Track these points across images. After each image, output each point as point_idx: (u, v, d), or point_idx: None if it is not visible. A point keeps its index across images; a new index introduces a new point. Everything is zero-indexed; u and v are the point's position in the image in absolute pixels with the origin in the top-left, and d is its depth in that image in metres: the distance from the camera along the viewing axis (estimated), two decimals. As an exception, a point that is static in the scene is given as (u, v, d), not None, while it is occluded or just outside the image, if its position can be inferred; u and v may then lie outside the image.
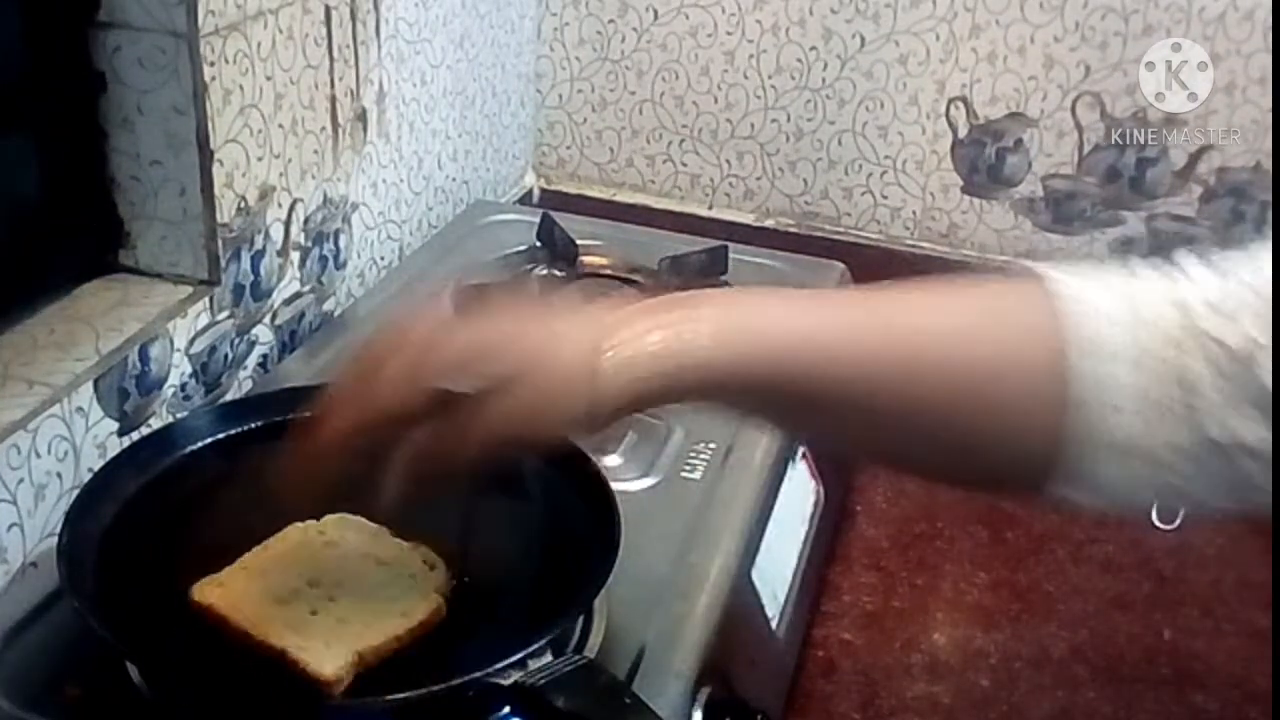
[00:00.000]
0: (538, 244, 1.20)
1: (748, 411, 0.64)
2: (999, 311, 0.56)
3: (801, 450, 0.97)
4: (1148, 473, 0.52)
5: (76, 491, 0.74)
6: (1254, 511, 0.52)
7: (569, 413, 0.54)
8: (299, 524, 0.71)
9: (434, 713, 0.61)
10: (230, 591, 0.66)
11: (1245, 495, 0.52)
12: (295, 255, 1.05)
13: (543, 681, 0.60)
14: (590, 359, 0.54)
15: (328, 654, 0.62)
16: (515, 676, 0.61)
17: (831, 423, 0.58)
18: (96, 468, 0.79)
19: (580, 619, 0.70)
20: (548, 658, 0.62)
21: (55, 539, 0.69)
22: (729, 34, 1.45)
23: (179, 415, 0.93)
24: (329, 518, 0.72)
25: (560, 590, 0.66)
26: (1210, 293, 0.51)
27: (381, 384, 0.56)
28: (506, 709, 0.62)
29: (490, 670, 0.60)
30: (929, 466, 0.62)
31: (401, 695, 0.60)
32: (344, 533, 0.71)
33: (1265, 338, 0.49)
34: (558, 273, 1.14)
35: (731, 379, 0.55)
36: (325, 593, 0.67)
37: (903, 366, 0.55)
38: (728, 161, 1.51)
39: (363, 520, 0.72)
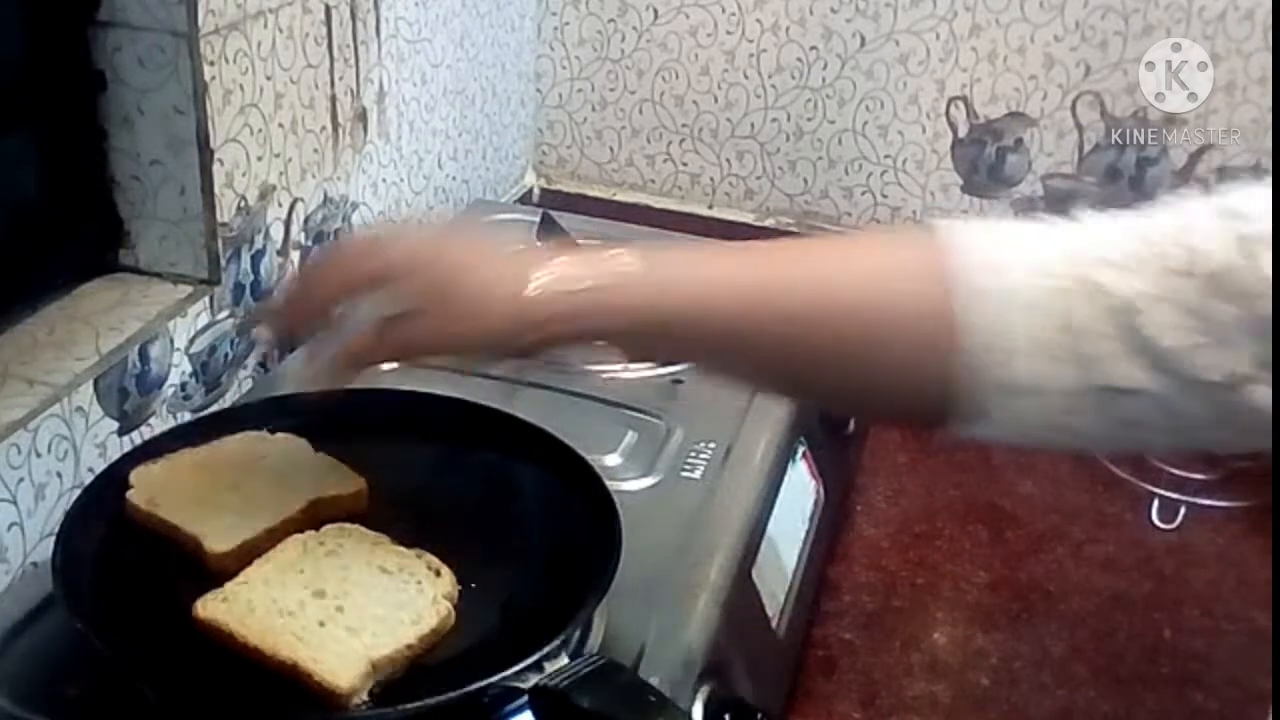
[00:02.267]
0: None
1: (659, 346, 0.67)
2: (890, 261, 0.59)
3: (802, 450, 0.97)
4: (1039, 413, 0.54)
5: (76, 492, 0.74)
6: (1137, 448, 0.55)
7: (488, 331, 0.59)
8: (298, 535, 0.70)
9: (451, 720, 0.61)
10: (235, 606, 0.64)
11: (1129, 433, 0.55)
12: (295, 255, 1.05)
13: (565, 683, 0.60)
14: (518, 280, 0.58)
15: (341, 665, 0.61)
16: (534, 679, 0.60)
17: (736, 360, 0.62)
18: (96, 467, 0.79)
19: (581, 619, 0.69)
20: (564, 659, 0.62)
21: (55, 539, 0.68)
22: (729, 33, 1.45)
23: (179, 415, 0.93)
24: (328, 527, 0.71)
25: (565, 592, 0.66)
26: (1103, 247, 0.53)
27: (318, 289, 0.63)
28: (524, 713, 0.62)
29: (509, 674, 0.60)
30: (830, 404, 0.65)
31: (419, 703, 0.60)
32: (344, 541, 0.70)
33: (1153, 289, 0.51)
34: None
35: (652, 309, 0.58)
36: (332, 603, 0.65)
37: (801, 312, 0.58)
38: (728, 161, 1.51)
39: (361, 529, 0.71)
